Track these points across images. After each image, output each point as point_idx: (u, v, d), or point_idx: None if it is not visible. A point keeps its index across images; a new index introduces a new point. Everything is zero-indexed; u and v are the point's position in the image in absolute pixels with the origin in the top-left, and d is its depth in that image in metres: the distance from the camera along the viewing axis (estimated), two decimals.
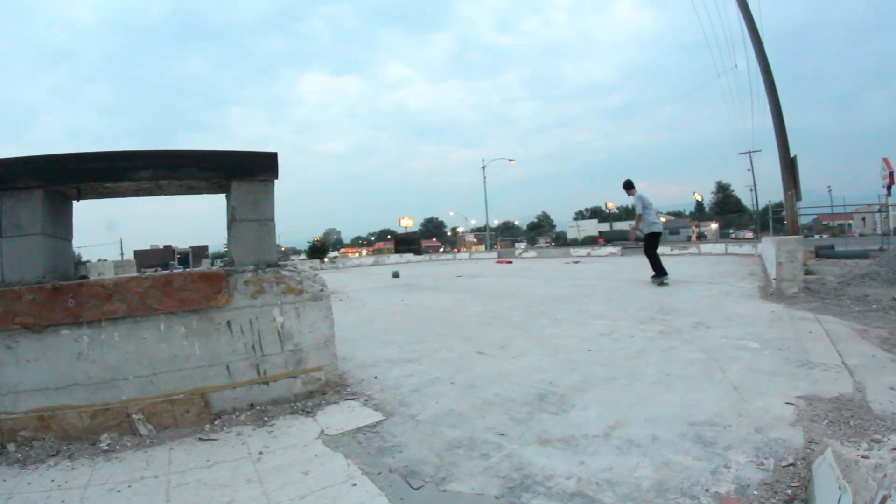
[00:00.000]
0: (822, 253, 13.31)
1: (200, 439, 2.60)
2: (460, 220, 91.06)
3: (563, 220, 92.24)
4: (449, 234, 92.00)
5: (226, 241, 3.63)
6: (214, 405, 2.86)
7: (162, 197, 3.71)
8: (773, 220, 22.07)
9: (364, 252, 74.92)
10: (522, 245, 54.19)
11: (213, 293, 2.91)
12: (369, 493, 1.91)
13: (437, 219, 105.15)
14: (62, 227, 3.16)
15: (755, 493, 1.70)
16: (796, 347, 3.66)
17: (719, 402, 2.61)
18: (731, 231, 54.60)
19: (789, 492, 1.68)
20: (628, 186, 8.55)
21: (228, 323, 2.92)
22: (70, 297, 2.71)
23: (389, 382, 3.38)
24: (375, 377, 3.52)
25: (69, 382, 2.72)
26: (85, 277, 3.20)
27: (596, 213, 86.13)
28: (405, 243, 36.10)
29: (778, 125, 10.95)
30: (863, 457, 1.36)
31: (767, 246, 8.93)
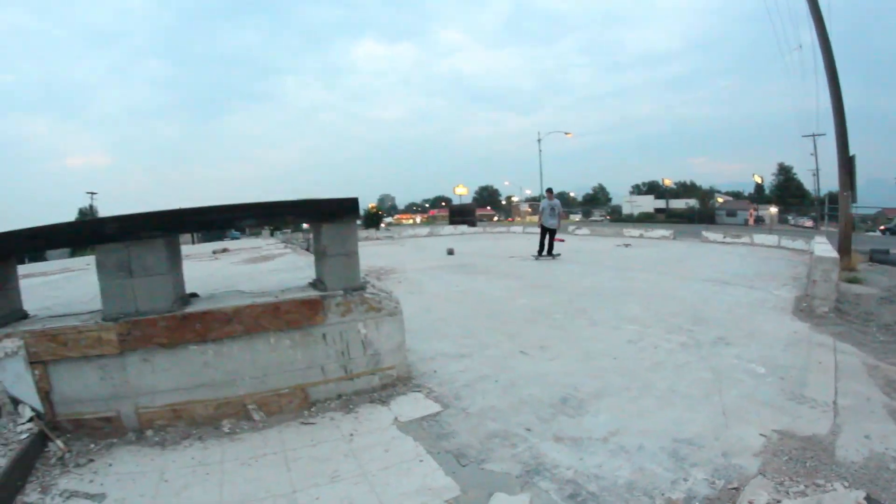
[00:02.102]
0: (877, 257, 12.56)
1: (302, 423, 3.49)
2: (515, 189, 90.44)
3: (619, 194, 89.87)
4: (503, 202, 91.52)
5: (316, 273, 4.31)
6: (311, 396, 3.75)
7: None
8: (829, 216, 21.02)
9: (418, 219, 75.95)
10: (577, 218, 53.68)
11: (311, 314, 3.73)
12: (431, 467, 2.79)
13: (491, 187, 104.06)
14: (176, 261, 3.83)
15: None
16: (798, 378, 3.96)
17: (705, 424, 3.20)
18: (790, 217, 51.93)
19: None
20: (549, 192, 13.34)
21: (324, 335, 3.79)
22: (197, 322, 3.49)
23: (446, 377, 4.20)
24: (435, 371, 4.35)
25: (197, 384, 3.52)
26: (195, 295, 3.98)
27: (653, 189, 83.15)
28: (460, 214, 36.40)
29: (838, 119, 10.67)
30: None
31: (820, 248, 8.74)
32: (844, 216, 11.00)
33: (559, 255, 13.27)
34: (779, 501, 2.30)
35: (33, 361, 3.28)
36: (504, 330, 5.67)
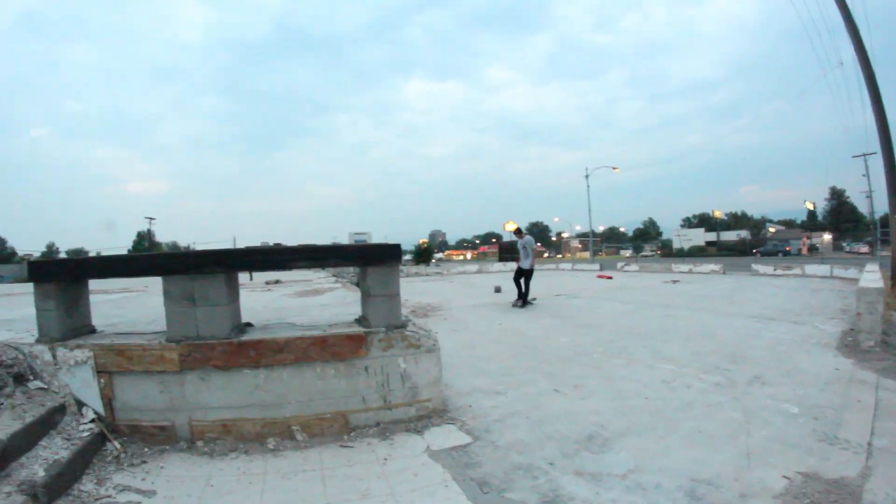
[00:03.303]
0: None
1: (341, 446, 3.68)
2: (565, 225, 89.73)
3: (670, 227, 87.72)
4: (554, 239, 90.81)
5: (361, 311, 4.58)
6: (351, 422, 3.93)
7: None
8: (882, 241, 19.56)
9: (469, 255, 76.54)
10: (627, 253, 52.45)
11: (356, 348, 3.94)
12: (455, 492, 2.95)
13: (541, 223, 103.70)
14: (234, 293, 4.11)
15: None
16: (833, 418, 3.80)
17: (726, 465, 3.12)
18: (845, 244, 48.62)
19: None
20: (518, 232, 11.62)
21: (366, 367, 3.98)
22: (251, 349, 3.76)
23: (479, 412, 4.31)
24: (470, 406, 4.46)
25: (247, 404, 3.76)
26: (250, 324, 4.30)
27: (703, 221, 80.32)
28: (509, 251, 36.41)
29: (883, 136, 10.06)
30: None
31: (868, 277, 8.32)
32: (895, 239, 10.27)
33: (534, 300, 11.88)
34: None
35: (100, 371, 3.66)
36: (542, 369, 5.71)
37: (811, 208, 69.90)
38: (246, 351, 3.77)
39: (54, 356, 3.71)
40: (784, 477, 2.93)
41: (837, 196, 69.39)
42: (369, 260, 4.24)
